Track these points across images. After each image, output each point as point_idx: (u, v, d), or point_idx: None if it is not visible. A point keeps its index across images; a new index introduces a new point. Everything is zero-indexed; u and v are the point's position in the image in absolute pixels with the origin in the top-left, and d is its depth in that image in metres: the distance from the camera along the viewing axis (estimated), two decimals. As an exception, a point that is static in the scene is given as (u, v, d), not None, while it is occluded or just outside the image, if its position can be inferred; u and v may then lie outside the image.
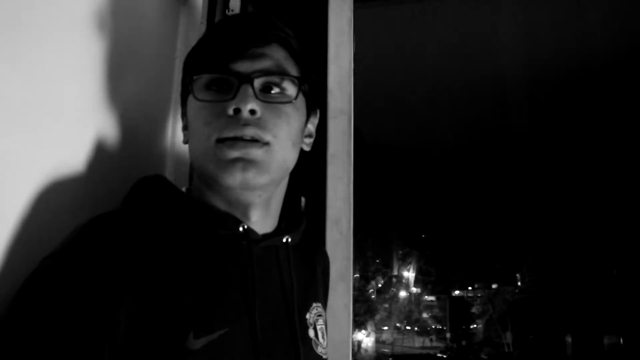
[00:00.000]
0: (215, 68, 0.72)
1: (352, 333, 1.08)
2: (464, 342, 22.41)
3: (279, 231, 0.79)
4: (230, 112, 0.68)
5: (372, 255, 23.04)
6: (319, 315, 0.81)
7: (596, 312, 17.27)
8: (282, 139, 0.71)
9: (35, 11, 0.70)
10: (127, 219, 0.67)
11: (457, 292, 25.20)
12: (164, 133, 1.00)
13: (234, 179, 0.68)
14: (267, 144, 0.70)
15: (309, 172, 1.10)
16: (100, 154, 0.82)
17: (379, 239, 23.20)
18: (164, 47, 1.03)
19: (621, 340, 16.72)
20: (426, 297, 25.47)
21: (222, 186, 0.71)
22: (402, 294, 24.68)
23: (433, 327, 24.63)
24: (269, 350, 0.68)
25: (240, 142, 0.68)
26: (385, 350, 22.51)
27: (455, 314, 23.82)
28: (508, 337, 20.82)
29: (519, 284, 21.89)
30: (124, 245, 0.63)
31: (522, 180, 25.33)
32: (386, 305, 23.98)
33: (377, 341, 22.47)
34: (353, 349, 1.16)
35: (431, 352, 22.13)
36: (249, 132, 0.68)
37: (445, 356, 21.07)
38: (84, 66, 0.79)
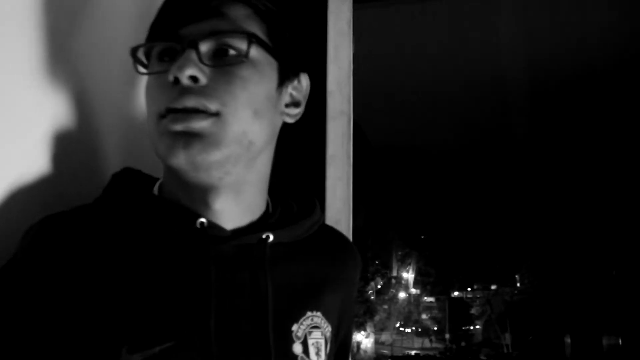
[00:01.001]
0: (161, 35, 0.63)
1: (351, 334, 1.08)
2: (463, 343, 22.41)
3: (258, 226, 0.67)
4: (170, 79, 0.59)
5: (371, 256, 23.03)
6: (315, 327, 0.67)
7: (595, 313, 17.27)
8: (237, 108, 0.60)
9: (30, 10, 0.70)
10: (73, 222, 0.61)
11: (456, 293, 25.20)
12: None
13: (177, 158, 0.58)
14: (216, 114, 0.59)
15: (308, 172, 1.10)
16: (97, 150, 0.81)
17: (378, 240, 23.19)
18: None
19: (620, 341, 16.72)
20: (425, 298, 25.46)
21: (174, 169, 0.61)
22: (402, 295, 24.67)
23: (433, 328, 24.62)
24: None
25: (181, 114, 0.59)
26: (385, 351, 22.50)
27: (455, 315, 23.80)
28: (507, 338, 20.82)
29: (518, 284, 21.89)
30: (62, 253, 0.58)
31: (522, 181, 25.33)
32: (385, 307, 23.97)
33: (377, 342, 22.46)
34: (352, 350, 1.16)
35: (430, 353, 22.13)
36: (189, 102, 0.58)
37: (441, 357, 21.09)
38: (81, 64, 0.78)
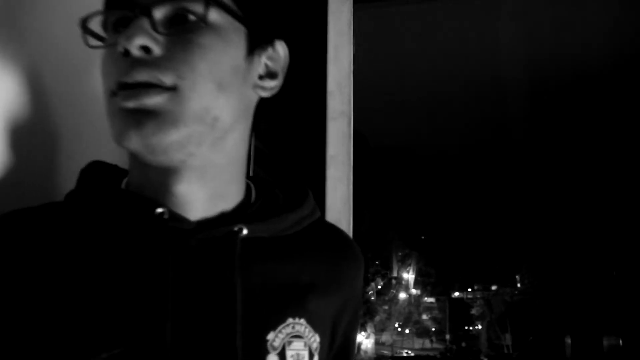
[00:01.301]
0: (114, 2, 0.55)
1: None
2: (463, 344, 22.41)
3: (230, 217, 0.59)
4: (120, 51, 0.52)
5: (371, 256, 23.06)
6: (296, 337, 0.58)
7: (596, 313, 17.27)
8: (197, 80, 0.52)
9: (32, 14, 0.70)
10: (28, 220, 0.57)
11: (456, 293, 25.21)
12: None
13: (130, 140, 0.52)
14: (172, 88, 0.52)
15: (308, 173, 1.10)
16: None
17: (378, 240, 23.21)
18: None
19: (620, 342, 16.72)
20: (425, 298, 25.47)
21: (132, 153, 0.55)
22: (402, 295, 24.69)
23: (433, 328, 24.64)
24: None
25: (133, 90, 0.52)
26: (385, 351, 22.50)
27: (455, 316, 23.81)
28: (508, 338, 20.82)
29: (519, 285, 21.89)
30: (12, 254, 0.54)
31: (522, 181, 25.34)
32: (386, 307, 23.98)
33: (377, 343, 22.47)
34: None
35: (431, 353, 22.15)
36: (141, 75, 0.51)
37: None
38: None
